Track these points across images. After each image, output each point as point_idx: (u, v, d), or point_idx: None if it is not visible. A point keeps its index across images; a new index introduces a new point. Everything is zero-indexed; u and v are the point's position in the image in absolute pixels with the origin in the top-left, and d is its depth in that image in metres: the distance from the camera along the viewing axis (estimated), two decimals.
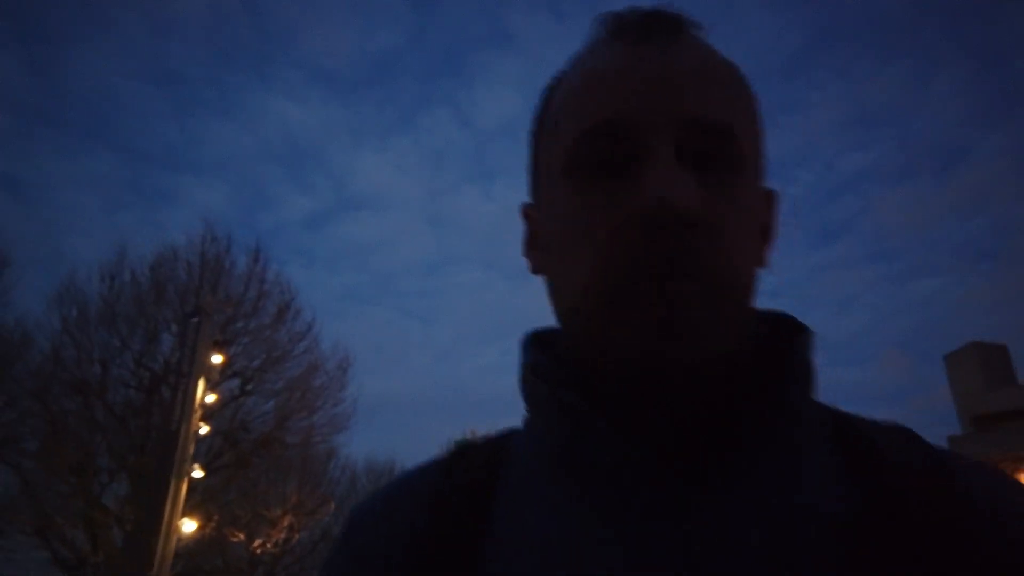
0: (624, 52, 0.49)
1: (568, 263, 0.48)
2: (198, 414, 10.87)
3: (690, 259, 0.43)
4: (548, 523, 0.45)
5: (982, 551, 0.40)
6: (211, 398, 11.68)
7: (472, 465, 0.52)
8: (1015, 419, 23.10)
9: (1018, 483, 0.47)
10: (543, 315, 0.55)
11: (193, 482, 10.90)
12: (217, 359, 11.72)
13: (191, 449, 10.68)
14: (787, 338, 0.50)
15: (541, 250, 0.55)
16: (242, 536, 15.49)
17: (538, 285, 0.56)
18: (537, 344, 0.54)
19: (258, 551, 16.13)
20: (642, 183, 0.44)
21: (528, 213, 0.59)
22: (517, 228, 0.61)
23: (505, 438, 0.55)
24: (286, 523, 15.95)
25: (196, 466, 10.92)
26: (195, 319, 11.75)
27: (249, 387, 15.03)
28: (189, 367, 11.09)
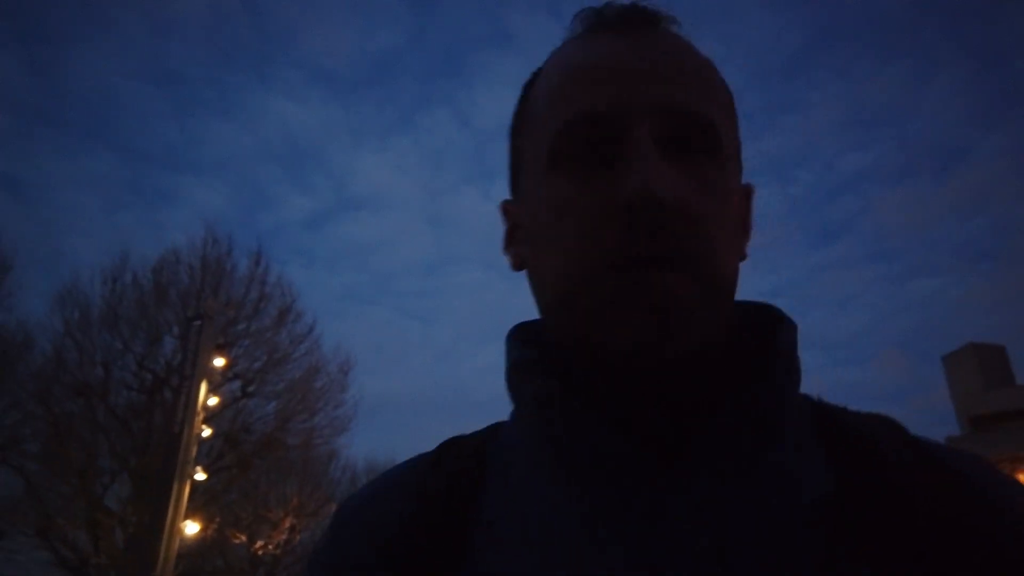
0: (604, 45, 0.50)
1: (553, 253, 0.48)
2: (200, 416, 10.92)
3: (676, 248, 0.44)
4: (539, 514, 0.45)
5: (970, 537, 0.40)
6: (213, 401, 11.75)
7: (460, 456, 0.52)
8: (1013, 420, 23.15)
9: (999, 470, 0.47)
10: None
11: (195, 484, 10.95)
12: (219, 362, 11.78)
13: (194, 451, 10.73)
14: (770, 329, 0.50)
15: (524, 245, 0.54)
16: (243, 537, 15.56)
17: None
18: (521, 339, 0.54)
19: (259, 552, 16.19)
20: (626, 172, 0.44)
21: (508, 209, 0.59)
22: None
23: (493, 431, 0.55)
24: (287, 524, 16.03)
25: (199, 468, 10.98)
26: (197, 322, 11.81)
27: (251, 389, 15.07)
28: (191, 370, 11.16)
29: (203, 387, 11.09)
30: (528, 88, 0.56)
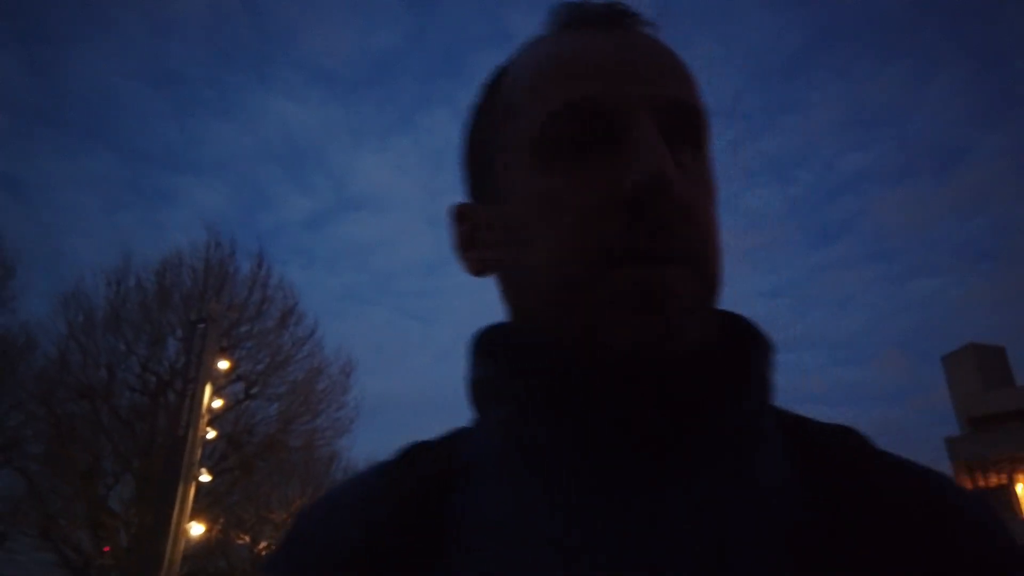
0: (588, 39, 0.48)
1: (544, 250, 0.45)
2: (205, 419, 10.97)
3: (678, 244, 0.43)
4: (526, 519, 0.42)
5: (927, 547, 0.41)
6: (218, 403, 11.78)
7: (429, 459, 0.49)
8: (1013, 420, 23.21)
9: (957, 482, 0.48)
10: None
11: (199, 485, 10.99)
12: (223, 365, 11.83)
13: (198, 453, 10.78)
14: (748, 334, 0.49)
15: (491, 247, 0.51)
16: (247, 538, 15.62)
17: None
18: (487, 350, 0.50)
19: (262, 553, 16.20)
20: (632, 157, 0.43)
21: (464, 212, 0.55)
22: None
23: (460, 434, 0.52)
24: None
25: (203, 470, 11.03)
26: (201, 325, 11.86)
27: (253, 391, 15.13)
28: (196, 373, 11.21)
29: (208, 390, 11.15)
30: (495, 84, 0.54)
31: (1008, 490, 22.59)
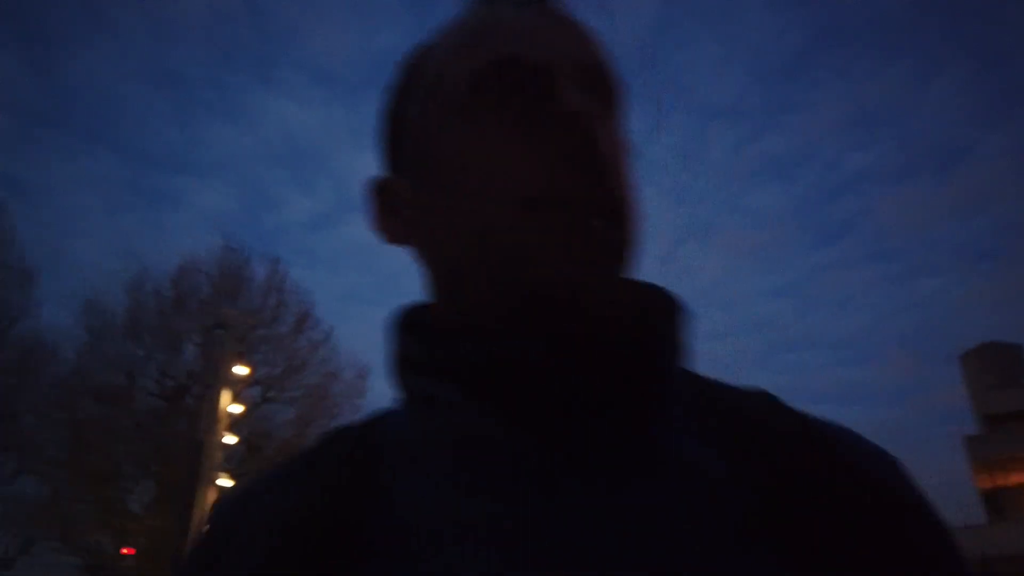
0: (508, 9, 0.50)
1: (469, 199, 0.45)
2: (223, 423, 11.11)
3: (602, 192, 0.43)
4: (434, 500, 0.42)
5: (848, 501, 0.41)
6: (237, 408, 11.93)
7: (350, 442, 0.48)
8: None
9: (870, 440, 0.49)
10: None
11: (219, 490, 11.12)
12: (242, 371, 11.95)
13: (218, 457, 10.92)
14: (660, 304, 0.49)
15: (407, 214, 0.51)
16: None
17: None
18: (408, 327, 0.50)
19: None
20: (558, 118, 0.44)
21: (381, 184, 0.55)
22: None
23: (383, 416, 0.51)
24: None
25: (224, 475, 11.16)
26: (219, 331, 12.01)
27: (271, 394, 15.29)
28: (213, 378, 11.35)
29: (227, 395, 11.29)
30: (414, 60, 0.54)
31: None
